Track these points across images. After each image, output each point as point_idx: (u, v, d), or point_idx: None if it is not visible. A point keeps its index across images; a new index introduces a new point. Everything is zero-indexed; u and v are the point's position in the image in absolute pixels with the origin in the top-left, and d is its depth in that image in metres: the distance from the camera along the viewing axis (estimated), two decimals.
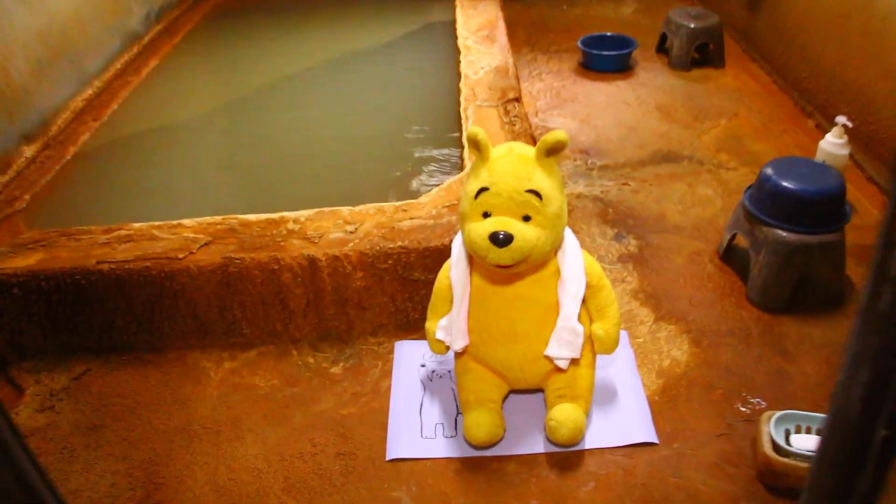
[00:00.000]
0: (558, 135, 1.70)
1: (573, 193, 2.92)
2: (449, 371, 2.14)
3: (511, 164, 1.72)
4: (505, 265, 1.68)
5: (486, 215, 1.72)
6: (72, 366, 2.34)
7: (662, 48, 4.12)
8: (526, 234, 1.67)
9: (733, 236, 2.44)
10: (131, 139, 3.14)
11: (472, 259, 1.84)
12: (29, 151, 2.94)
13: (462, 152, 2.65)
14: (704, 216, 2.75)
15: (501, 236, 1.65)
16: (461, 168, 2.60)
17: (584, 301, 1.84)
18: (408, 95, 3.28)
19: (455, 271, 1.86)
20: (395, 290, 2.23)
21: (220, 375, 2.23)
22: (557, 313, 1.82)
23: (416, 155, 2.87)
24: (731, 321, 2.26)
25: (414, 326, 2.28)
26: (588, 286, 1.83)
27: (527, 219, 1.70)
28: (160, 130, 3.21)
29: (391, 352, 2.23)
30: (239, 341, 2.32)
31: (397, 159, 2.86)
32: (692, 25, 3.83)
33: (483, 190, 1.71)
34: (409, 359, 2.20)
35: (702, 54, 3.93)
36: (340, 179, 2.81)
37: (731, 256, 2.50)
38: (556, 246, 1.79)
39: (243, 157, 3.08)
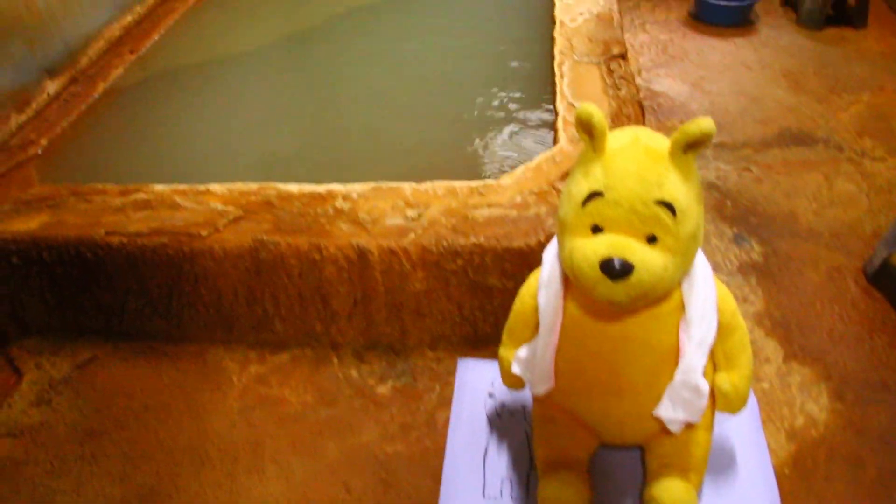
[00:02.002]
0: (703, 125, 1.22)
1: None
2: (524, 408, 1.71)
3: (636, 161, 1.24)
4: (618, 302, 1.24)
5: (596, 229, 1.26)
6: (77, 350, 1.99)
7: (789, 0, 3.52)
8: (650, 264, 1.20)
9: (891, 254, 1.93)
10: (171, 75, 2.74)
11: (568, 280, 1.38)
12: (52, 87, 2.56)
13: (555, 121, 2.17)
14: (846, 220, 2.23)
15: (618, 266, 1.19)
16: (553, 139, 2.12)
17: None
18: (490, 41, 2.77)
19: (545, 293, 1.41)
20: (462, 296, 1.80)
21: (245, 382, 1.84)
22: (675, 361, 1.35)
23: (497, 117, 2.39)
24: (884, 369, 1.78)
25: (483, 341, 1.85)
26: (718, 326, 1.37)
27: (652, 239, 1.23)
28: (204, 66, 2.79)
29: (452, 371, 1.81)
30: (270, 339, 1.92)
31: (473, 120, 2.39)
32: None
33: (595, 195, 1.25)
34: (475, 385, 1.77)
35: (838, 10, 3.32)
36: (403, 139, 2.36)
37: (883, 278, 1.99)
38: (684, 274, 1.32)
39: (294, 104, 2.65)
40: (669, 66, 3.01)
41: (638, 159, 1.25)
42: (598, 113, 1.25)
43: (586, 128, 1.27)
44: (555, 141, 2.08)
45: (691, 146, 1.25)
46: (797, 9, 3.39)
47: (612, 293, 1.22)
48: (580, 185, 1.28)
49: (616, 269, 1.20)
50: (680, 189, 1.23)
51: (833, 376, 1.76)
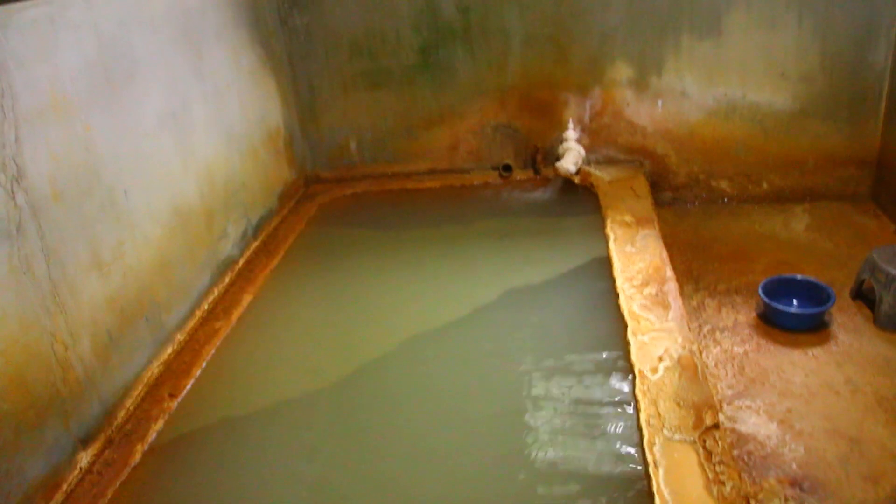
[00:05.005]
0: None
1: None
2: None
3: None
4: None
5: None
6: None
7: (860, 293, 3.34)
8: None
9: None
10: (212, 432, 2.50)
11: None
12: (85, 458, 2.33)
13: None
14: None
15: None
16: None
17: None
18: (562, 394, 2.53)
19: None
20: None
21: None
22: None
23: None
24: None
25: None
26: None
27: None
28: (249, 420, 2.55)
29: None
30: None
31: None
32: None
33: None
34: None
35: None
36: None
37: None
38: None
39: (347, 468, 2.40)
40: (752, 396, 2.77)
41: None
42: None
43: None
44: None
45: None
46: (873, 308, 3.20)
47: None
48: None
49: None
50: None
51: None
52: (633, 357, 2.52)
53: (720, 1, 3.89)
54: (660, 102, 4.11)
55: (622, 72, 4.08)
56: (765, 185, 4.26)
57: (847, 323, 3.19)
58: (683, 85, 4.07)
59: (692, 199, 4.31)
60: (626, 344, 2.61)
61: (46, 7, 2.30)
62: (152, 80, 2.85)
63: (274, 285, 3.31)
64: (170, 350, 2.82)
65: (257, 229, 3.67)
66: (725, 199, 4.30)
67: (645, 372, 2.44)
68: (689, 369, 2.43)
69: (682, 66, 4.03)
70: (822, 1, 3.83)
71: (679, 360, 2.47)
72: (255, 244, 3.61)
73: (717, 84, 4.05)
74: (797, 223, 4.07)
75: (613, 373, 2.55)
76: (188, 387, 2.68)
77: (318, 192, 4.27)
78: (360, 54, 4.20)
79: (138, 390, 2.62)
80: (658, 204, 4.08)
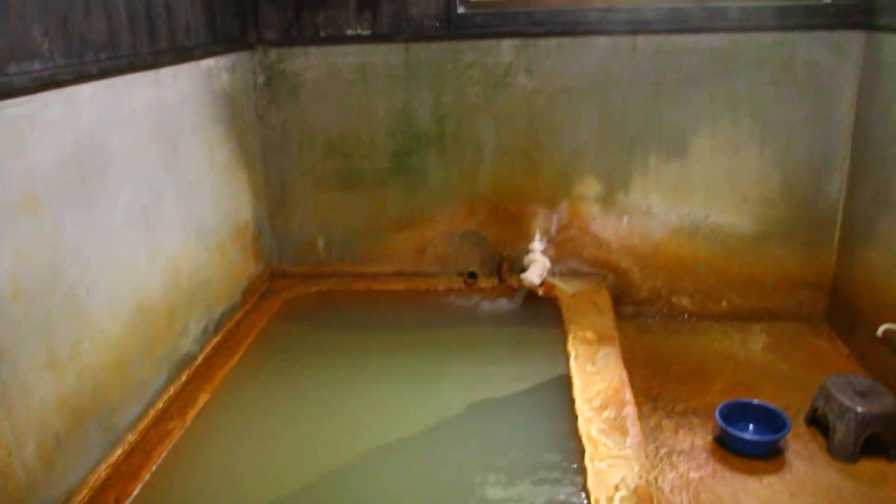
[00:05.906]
0: None
1: None
2: None
3: None
4: None
5: None
6: None
7: (814, 420, 3.38)
8: None
9: None
10: None
11: None
12: None
13: None
14: None
15: None
16: None
17: None
18: None
19: None
20: None
21: None
22: None
23: None
24: None
25: None
26: None
27: None
28: None
29: None
30: None
31: None
32: (860, 410, 3.09)
33: None
34: None
35: (870, 439, 3.15)
36: None
37: None
38: None
39: None
40: None
41: None
42: None
43: None
44: None
45: None
46: (827, 436, 3.23)
47: None
48: None
49: None
50: None
51: None
52: (590, 485, 2.50)
53: (687, 125, 4.04)
54: (625, 219, 4.22)
55: (590, 187, 4.19)
56: (724, 304, 4.35)
57: (802, 450, 3.22)
58: (649, 203, 4.18)
59: (653, 313, 4.38)
60: (584, 470, 2.60)
61: (27, 106, 2.31)
62: (125, 175, 2.85)
63: (232, 385, 3.26)
64: (119, 452, 2.74)
65: (219, 324, 3.63)
66: (686, 316, 4.37)
67: (601, 501, 2.42)
68: (645, 500, 2.42)
69: (648, 185, 4.15)
70: (782, 132, 4.00)
71: (636, 490, 2.46)
72: (216, 340, 3.56)
73: (682, 204, 4.17)
74: (755, 343, 4.13)
75: (570, 501, 2.53)
76: (136, 492, 2.59)
77: (282, 287, 4.25)
78: (334, 154, 4.26)
79: (82, 495, 2.53)
80: (620, 317, 4.13)
